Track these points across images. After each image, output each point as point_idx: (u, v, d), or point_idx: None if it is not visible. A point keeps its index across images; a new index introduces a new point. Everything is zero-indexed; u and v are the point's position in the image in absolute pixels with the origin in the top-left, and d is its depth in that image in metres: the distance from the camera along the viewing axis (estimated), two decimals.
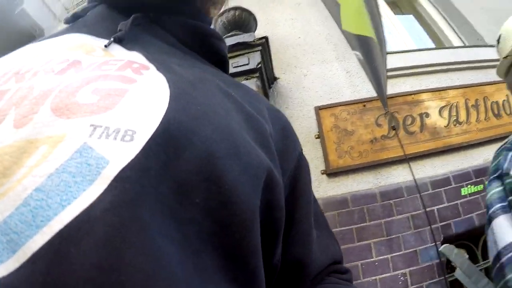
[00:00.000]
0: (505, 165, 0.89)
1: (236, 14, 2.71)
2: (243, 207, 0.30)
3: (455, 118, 2.75)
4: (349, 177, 2.54)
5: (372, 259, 2.30)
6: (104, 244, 0.22)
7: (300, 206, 0.42)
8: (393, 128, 2.22)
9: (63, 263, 0.21)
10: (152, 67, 0.35)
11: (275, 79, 3.02)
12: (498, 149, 1.00)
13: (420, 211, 2.32)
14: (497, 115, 2.83)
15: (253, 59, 2.44)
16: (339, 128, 2.64)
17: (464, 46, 3.29)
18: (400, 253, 2.32)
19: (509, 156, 0.90)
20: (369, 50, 2.11)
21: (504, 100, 2.89)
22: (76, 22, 0.46)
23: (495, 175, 0.92)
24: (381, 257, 2.30)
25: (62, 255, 0.21)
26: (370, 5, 1.87)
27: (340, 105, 2.72)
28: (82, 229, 0.22)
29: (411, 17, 3.97)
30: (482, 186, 2.49)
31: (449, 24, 3.63)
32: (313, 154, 2.64)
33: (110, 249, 0.22)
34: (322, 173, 2.56)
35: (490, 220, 0.88)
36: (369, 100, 2.68)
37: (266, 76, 2.88)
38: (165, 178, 0.26)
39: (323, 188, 2.53)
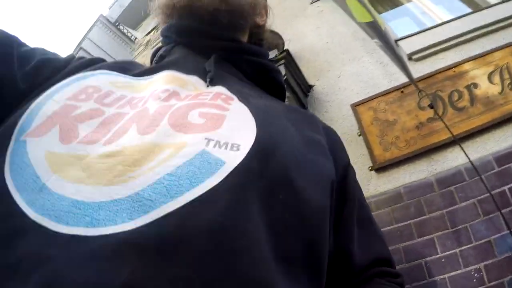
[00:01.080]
0: None
1: None
2: (313, 205, 0.40)
3: (509, 81, 2.46)
4: (400, 169, 2.41)
5: (437, 256, 2.08)
6: (225, 211, 0.32)
7: (346, 205, 0.51)
8: (431, 107, 2.08)
9: (193, 219, 0.30)
10: (235, 98, 0.47)
11: (310, 87, 3.05)
12: None
13: (488, 194, 1.99)
14: None
15: None
16: (379, 121, 2.55)
17: (503, 1, 2.94)
18: (471, 245, 2.03)
19: None
20: (381, 33, 2.08)
21: None
22: (162, 61, 0.57)
23: None
24: (448, 253, 2.07)
25: (193, 214, 0.31)
26: None
27: (377, 97, 2.64)
28: (209, 200, 0.32)
29: None
30: None
31: None
32: (358, 152, 2.58)
33: (229, 213, 0.32)
34: (370, 170, 2.47)
35: None
36: (406, 85, 2.56)
37: (299, 86, 2.93)
38: (261, 177, 0.37)
39: (373, 185, 2.43)
